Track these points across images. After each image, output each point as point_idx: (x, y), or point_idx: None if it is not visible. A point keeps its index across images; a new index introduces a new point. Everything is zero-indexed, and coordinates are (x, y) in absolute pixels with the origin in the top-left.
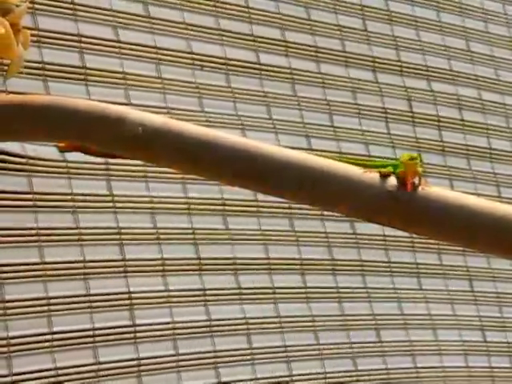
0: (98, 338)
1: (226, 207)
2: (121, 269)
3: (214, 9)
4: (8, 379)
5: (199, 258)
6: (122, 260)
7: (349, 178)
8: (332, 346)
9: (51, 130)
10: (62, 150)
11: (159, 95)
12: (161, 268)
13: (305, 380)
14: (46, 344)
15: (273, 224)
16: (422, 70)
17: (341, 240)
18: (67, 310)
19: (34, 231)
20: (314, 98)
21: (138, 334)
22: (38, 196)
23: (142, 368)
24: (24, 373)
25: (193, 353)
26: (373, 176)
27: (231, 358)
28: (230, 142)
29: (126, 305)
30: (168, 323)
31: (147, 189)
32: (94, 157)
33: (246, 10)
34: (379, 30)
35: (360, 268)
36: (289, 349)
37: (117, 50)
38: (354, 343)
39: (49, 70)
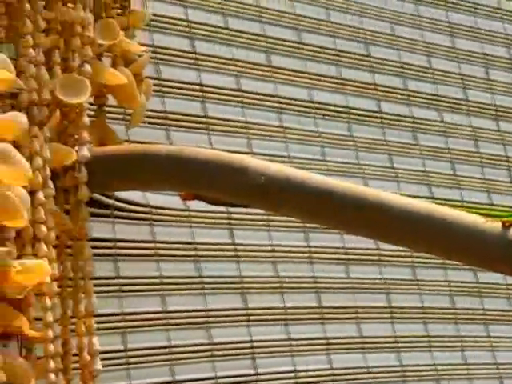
0: None
1: (348, 256)
2: (243, 317)
3: (336, 58)
4: None
5: (321, 307)
6: (245, 309)
7: (471, 227)
8: None
9: (177, 180)
10: (184, 199)
11: (281, 144)
12: (283, 317)
13: None
14: None
15: (395, 273)
16: None
17: (463, 289)
18: (189, 358)
19: (156, 280)
20: (436, 147)
21: (260, 383)
22: (159, 245)
23: None
24: None
25: None
26: (495, 225)
27: None
28: (349, 191)
29: (247, 353)
30: (291, 372)
31: (269, 238)
32: (215, 205)
33: (367, 59)
34: (502, 79)
35: (482, 317)
36: None
37: (238, 99)
38: None
39: (171, 120)
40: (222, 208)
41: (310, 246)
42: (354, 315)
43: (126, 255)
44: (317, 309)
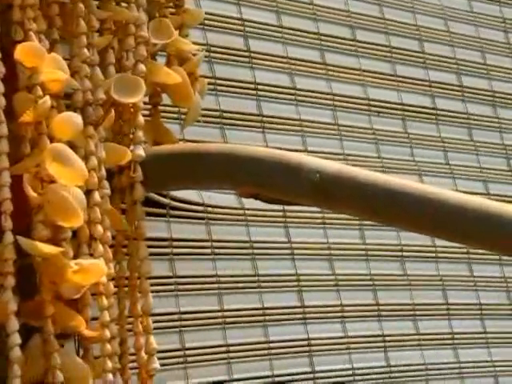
0: None
1: (404, 253)
2: (299, 315)
3: (389, 55)
4: None
5: (377, 304)
6: (301, 307)
7: None
8: None
9: (231, 178)
10: (241, 196)
11: (335, 141)
12: (339, 314)
13: None
14: None
15: (451, 269)
16: None
17: None
18: (246, 357)
19: (213, 279)
20: (491, 143)
21: (318, 381)
22: (215, 243)
23: None
24: None
25: None
26: None
27: None
28: (404, 188)
29: (305, 351)
30: (348, 369)
31: (325, 235)
32: (271, 204)
33: (422, 55)
34: None
35: None
36: None
37: (293, 96)
38: None
39: (226, 118)
40: (278, 206)
41: (366, 244)
42: (410, 312)
43: (181, 254)
44: (373, 306)
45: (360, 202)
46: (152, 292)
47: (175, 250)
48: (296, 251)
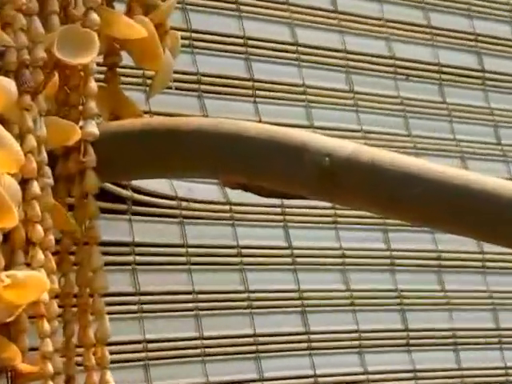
0: None
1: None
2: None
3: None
4: None
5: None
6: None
7: None
8: None
9: (212, 163)
10: (225, 185)
11: (350, 114)
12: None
13: None
14: None
15: None
16: None
17: None
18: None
19: (189, 296)
20: None
21: None
22: (192, 250)
23: None
24: None
25: None
26: None
27: None
28: (446, 175)
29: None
30: None
31: (337, 238)
32: (264, 197)
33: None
34: None
35: None
36: None
37: (294, 55)
38: None
39: (206, 84)
40: (275, 200)
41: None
42: None
43: (147, 263)
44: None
45: (383, 195)
46: (109, 314)
47: (139, 259)
48: (298, 259)
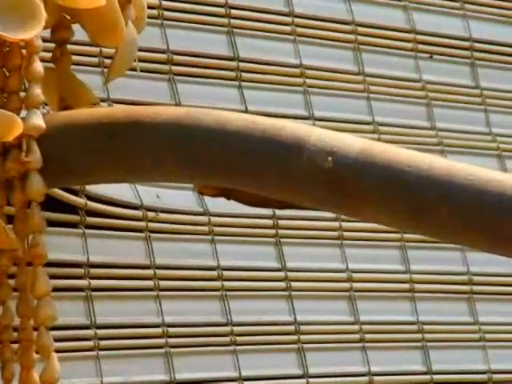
0: None
1: None
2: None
3: None
4: None
5: None
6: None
7: None
8: None
9: (187, 165)
10: (201, 193)
11: (359, 102)
12: None
13: None
14: None
15: None
16: None
17: None
18: None
19: (158, 329)
20: None
21: None
22: (161, 272)
23: None
24: None
25: None
26: None
27: None
28: (474, 178)
29: None
30: None
31: (342, 258)
32: (251, 207)
33: None
34: None
35: None
36: None
37: (289, 27)
38: None
39: (178, 64)
40: (266, 211)
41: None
42: None
43: (105, 289)
44: None
45: (398, 201)
46: (58, 352)
47: (94, 283)
48: (294, 284)
